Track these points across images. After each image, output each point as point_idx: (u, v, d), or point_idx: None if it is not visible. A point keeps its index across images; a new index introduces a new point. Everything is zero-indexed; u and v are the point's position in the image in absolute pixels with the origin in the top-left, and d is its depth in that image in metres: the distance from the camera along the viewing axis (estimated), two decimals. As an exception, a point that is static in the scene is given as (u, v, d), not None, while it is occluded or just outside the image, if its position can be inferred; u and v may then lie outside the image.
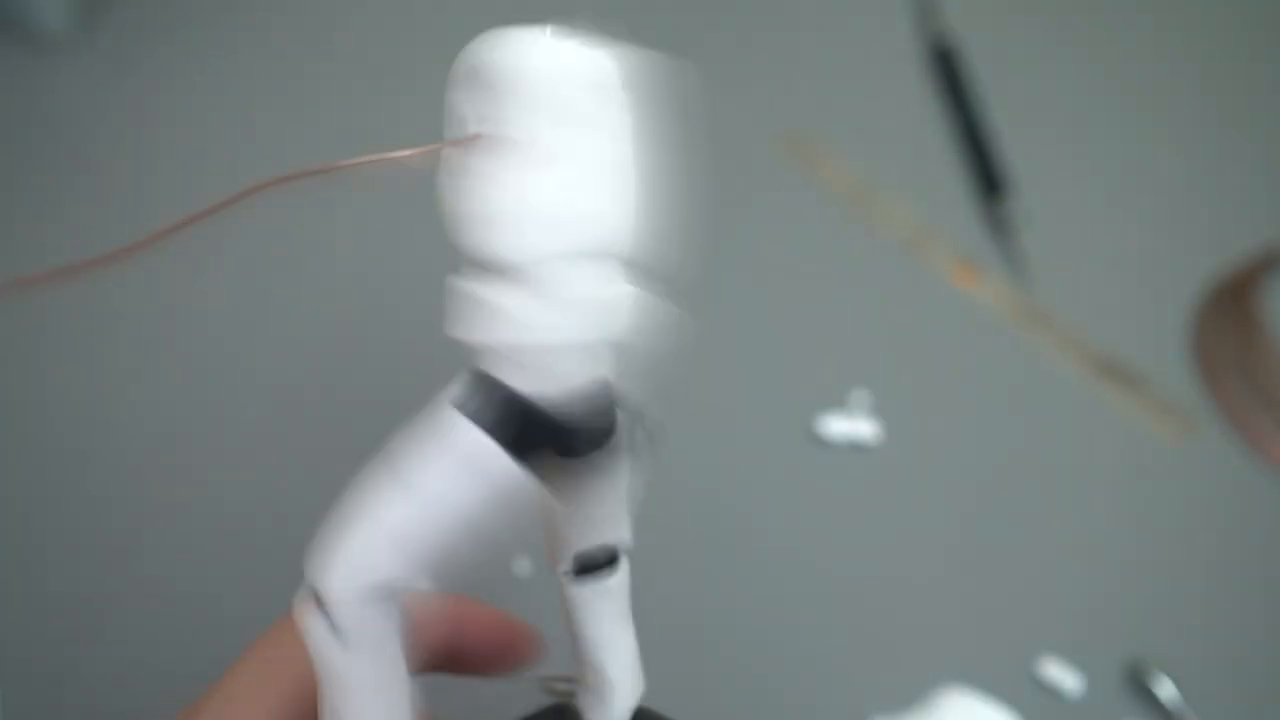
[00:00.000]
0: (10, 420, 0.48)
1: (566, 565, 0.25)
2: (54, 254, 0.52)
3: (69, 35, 0.57)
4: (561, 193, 0.22)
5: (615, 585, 0.25)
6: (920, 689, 0.44)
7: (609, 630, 0.26)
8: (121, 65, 0.57)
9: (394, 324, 0.51)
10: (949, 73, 0.60)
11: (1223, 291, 0.54)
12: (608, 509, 0.25)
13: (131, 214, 0.53)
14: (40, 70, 0.56)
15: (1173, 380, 0.52)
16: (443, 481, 0.22)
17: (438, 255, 0.21)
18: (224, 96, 0.57)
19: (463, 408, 0.23)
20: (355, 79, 0.58)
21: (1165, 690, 0.44)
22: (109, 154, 0.55)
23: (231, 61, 0.58)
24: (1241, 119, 0.61)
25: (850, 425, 0.49)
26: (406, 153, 0.22)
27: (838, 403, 0.50)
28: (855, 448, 0.49)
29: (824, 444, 0.49)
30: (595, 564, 0.25)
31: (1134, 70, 0.62)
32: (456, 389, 0.23)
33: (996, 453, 0.50)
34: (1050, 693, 0.45)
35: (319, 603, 0.22)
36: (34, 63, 0.56)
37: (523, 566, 0.45)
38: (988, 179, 0.56)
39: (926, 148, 0.58)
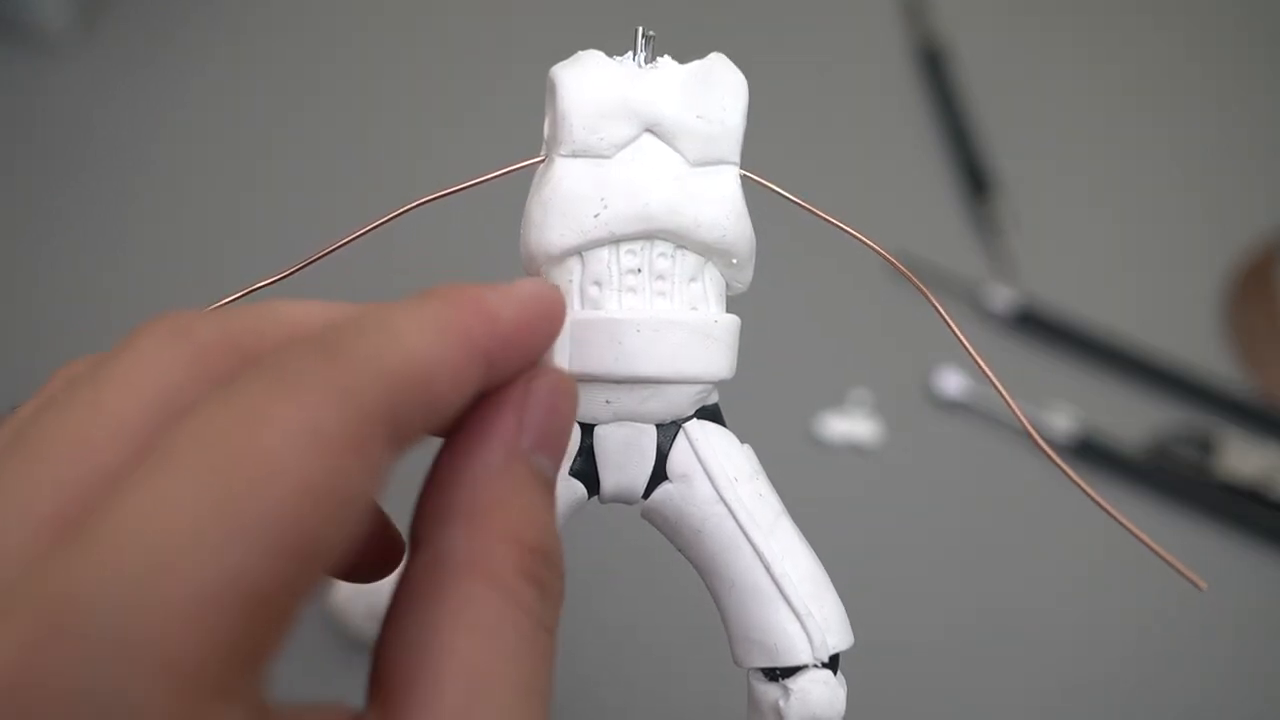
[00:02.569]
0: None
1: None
2: (53, 254, 0.52)
3: (69, 35, 0.57)
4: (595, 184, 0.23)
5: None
6: (922, 691, 0.45)
7: None
8: (121, 65, 0.57)
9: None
10: (937, 73, 0.60)
11: (1250, 275, 0.54)
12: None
13: (131, 214, 0.53)
14: (40, 70, 0.56)
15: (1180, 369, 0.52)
16: None
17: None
18: (223, 96, 0.57)
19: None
20: (354, 78, 0.58)
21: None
22: (109, 154, 0.55)
23: (231, 61, 0.58)
24: (1235, 116, 0.61)
25: (850, 425, 0.49)
26: (520, 165, 0.25)
27: (837, 402, 0.50)
28: (854, 448, 0.49)
29: (823, 444, 0.49)
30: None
31: (1122, 69, 0.63)
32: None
33: (996, 452, 0.50)
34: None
35: None
36: (34, 63, 0.56)
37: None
38: (975, 179, 0.57)
39: (914, 147, 0.59)
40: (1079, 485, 0.23)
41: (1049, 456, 0.24)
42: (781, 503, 0.25)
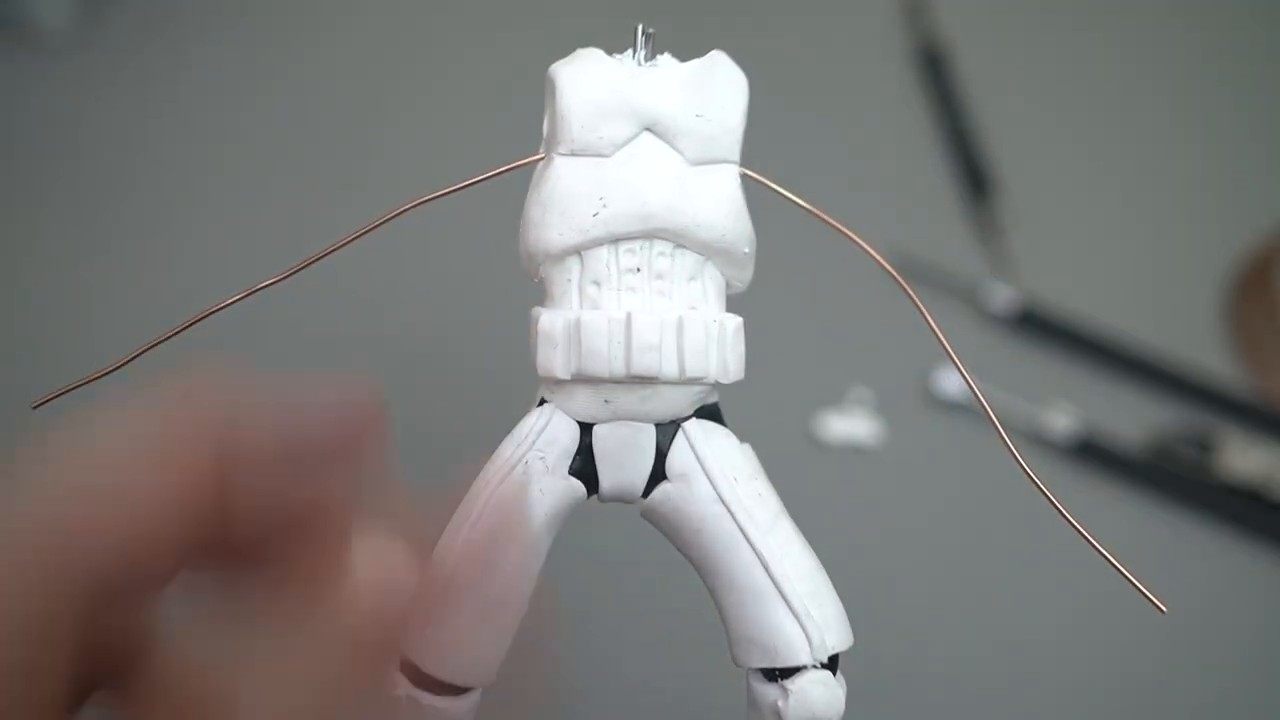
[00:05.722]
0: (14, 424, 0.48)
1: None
2: (50, 253, 0.52)
3: (69, 35, 0.57)
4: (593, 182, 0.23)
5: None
6: (921, 691, 0.45)
7: None
8: (120, 65, 0.57)
9: (393, 334, 0.51)
10: (937, 73, 0.60)
11: (1250, 275, 0.54)
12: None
13: (131, 213, 0.53)
14: (40, 70, 0.56)
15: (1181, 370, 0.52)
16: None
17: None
18: (223, 96, 0.57)
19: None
20: (354, 77, 0.58)
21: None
22: (109, 154, 0.55)
23: (231, 61, 0.58)
24: (1235, 116, 0.61)
25: (849, 424, 0.49)
26: (519, 164, 0.24)
27: (837, 402, 0.50)
28: (854, 448, 0.49)
29: (822, 444, 0.49)
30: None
31: (1122, 69, 0.63)
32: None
33: (996, 452, 0.50)
34: (1048, 691, 0.45)
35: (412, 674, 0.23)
36: (34, 62, 0.56)
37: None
38: (974, 179, 0.56)
39: (914, 147, 0.59)
40: (1050, 498, 0.23)
41: (1023, 470, 0.24)
42: (780, 502, 0.25)
